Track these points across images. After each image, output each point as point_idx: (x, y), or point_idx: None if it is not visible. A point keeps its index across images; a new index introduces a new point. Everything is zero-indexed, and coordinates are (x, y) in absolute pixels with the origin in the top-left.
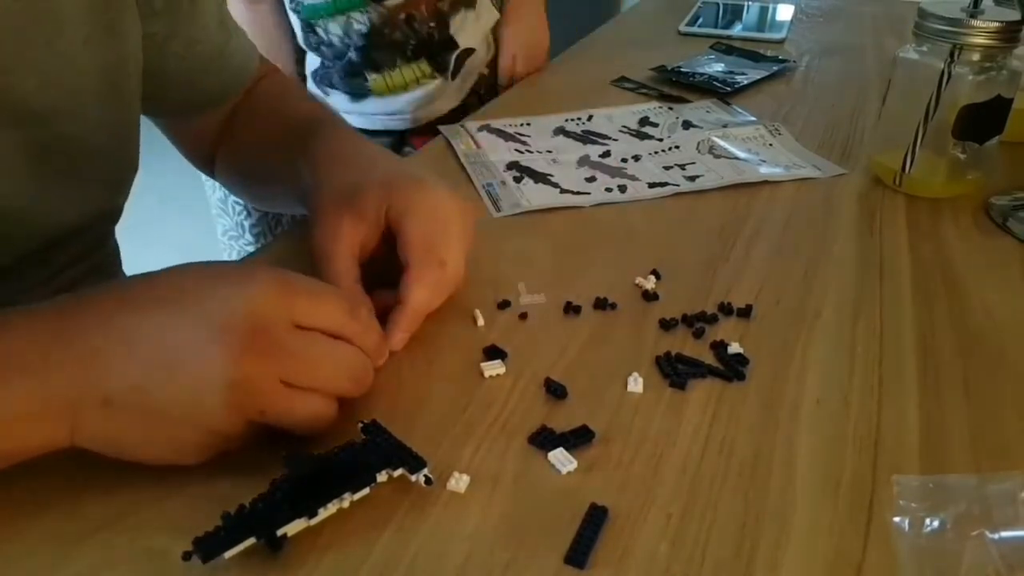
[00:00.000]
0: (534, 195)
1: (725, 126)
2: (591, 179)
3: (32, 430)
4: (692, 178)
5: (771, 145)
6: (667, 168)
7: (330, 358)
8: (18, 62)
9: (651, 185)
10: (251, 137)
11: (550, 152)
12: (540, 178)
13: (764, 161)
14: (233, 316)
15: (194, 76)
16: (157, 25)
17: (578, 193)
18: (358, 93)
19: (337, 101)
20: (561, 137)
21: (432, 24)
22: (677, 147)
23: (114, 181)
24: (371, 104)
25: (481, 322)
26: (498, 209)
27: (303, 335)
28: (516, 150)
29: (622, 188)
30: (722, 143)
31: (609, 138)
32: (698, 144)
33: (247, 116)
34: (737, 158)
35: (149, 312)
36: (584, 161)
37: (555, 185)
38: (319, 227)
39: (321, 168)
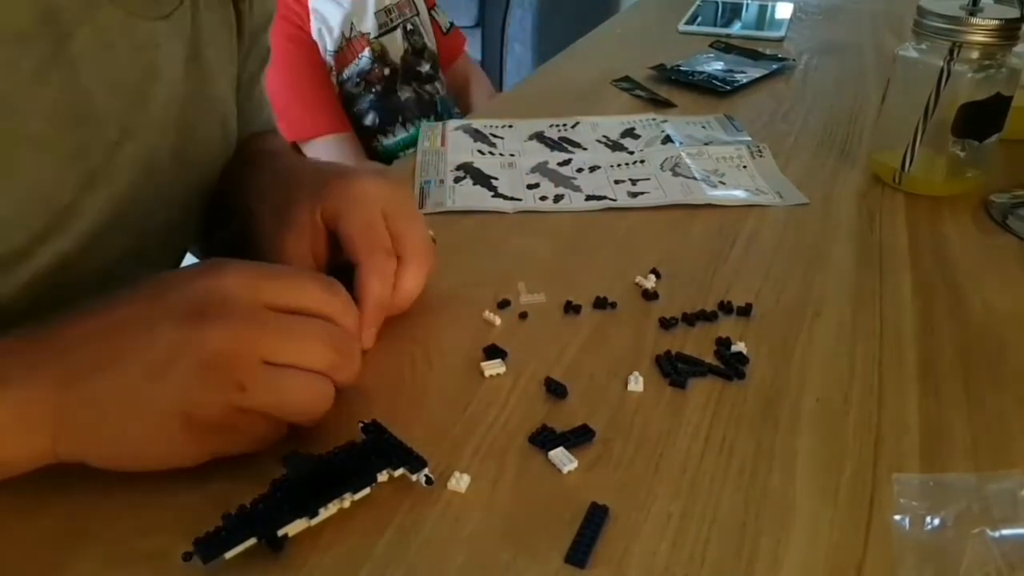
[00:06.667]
0: (463, 196)
1: (708, 143)
2: (533, 186)
3: (15, 442)
4: (635, 194)
5: (745, 167)
6: (618, 182)
7: (310, 331)
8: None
9: (588, 198)
10: None
11: (512, 155)
12: (482, 180)
13: (723, 183)
14: (202, 300)
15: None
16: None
17: (509, 199)
18: None
19: None
20: (534, 142)
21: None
22: (642, 162)
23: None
24: None
25: (498, 322)
26: (422, 206)
27: (278, 313)
28: (479, 151)
29: (558, 198)
30: (688, 161)
31: (580, 147)
32: (664, 161)
33: None
34: (693, 178)
35: (123, 311)
36: (538, 168)
37: (493, 188)
38: (263, 254)
39: (253, 196)
